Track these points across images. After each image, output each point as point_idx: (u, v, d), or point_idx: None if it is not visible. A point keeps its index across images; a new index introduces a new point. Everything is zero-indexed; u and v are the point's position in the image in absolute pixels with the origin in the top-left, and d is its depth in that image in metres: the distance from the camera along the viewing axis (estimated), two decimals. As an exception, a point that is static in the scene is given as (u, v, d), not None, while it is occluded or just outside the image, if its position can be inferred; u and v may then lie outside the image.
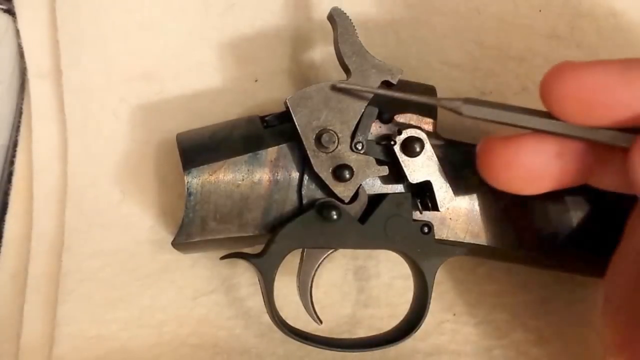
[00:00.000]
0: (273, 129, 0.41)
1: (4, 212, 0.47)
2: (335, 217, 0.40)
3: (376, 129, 0.40)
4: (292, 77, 0.47)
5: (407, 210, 0.41)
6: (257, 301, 0.47)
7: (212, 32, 0.46)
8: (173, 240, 0.40)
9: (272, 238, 0.40)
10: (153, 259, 0.46)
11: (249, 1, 0.46)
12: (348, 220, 0.40)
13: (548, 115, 0.35)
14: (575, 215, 0.41)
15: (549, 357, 0.47)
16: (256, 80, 0.47)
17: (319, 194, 0.41)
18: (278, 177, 0.40)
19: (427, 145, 0.39)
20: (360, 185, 0.40)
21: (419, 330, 0.42)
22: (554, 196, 0.40)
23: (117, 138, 0.46)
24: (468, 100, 0.36)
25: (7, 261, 0.47)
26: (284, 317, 0.43)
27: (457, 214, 0.41)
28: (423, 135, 0.39)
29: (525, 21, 0.47)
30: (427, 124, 0.40)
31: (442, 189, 0.40)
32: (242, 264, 0.46)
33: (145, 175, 0.46)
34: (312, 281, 0.43)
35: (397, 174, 0.40)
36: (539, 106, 0.47)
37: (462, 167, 0.41)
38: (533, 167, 0.36)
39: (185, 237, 0.40)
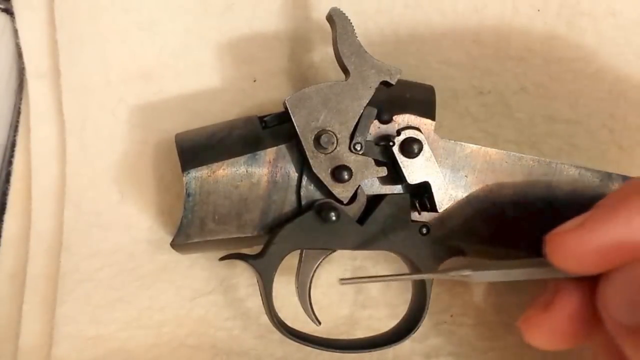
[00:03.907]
0: (272, 129, 0.41)
1: (3, 212, 0.47)
2: (334, 218, 0.40)
3: (375, 129, 0.40)
4: (291, 78, 0.47)
5: (406, 211, 0.41)
6: (255, 302, 0.47)
7: (210, 32, 0.46)
8: (172, 241, 0.40)
9: (271, 239, 0.40)
10: (151, 259, 0.46)
11: (248, 1, 0.46)
12: (347, 221, 0.40)
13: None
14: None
15: (544, 359, 0.47)
16: (255, 81, 0.47)
17: (317, 195, 0.41)
18: (277, 178, 0.40)
19: (426, 147, 0.39)
20: (359, 186, 0.40)
21: (416, 332, 0.42)
22: (552, 198, 0.41)
23: (115, 138, 0.46)
24: (476, 268, 0.38)
25: (6, 261, 0.47)
26: (282, 318, 0.43)
27: (456, 214, 0.41)
28: (421, 137, 0.39)
29: (524, 20, 0.47)
30: (426, 124, 0.40)
31: (440, 190, 0.40)
32: (241, 265, 0.46)
33: (144, 176, 0.46)
34: (310, 282, 0.43)
35: (395, 175, 0.40)
36: (538, 105, 0.47)
37: (461, 168, 0.41)
38: None
39: (184, 238, 0.40)
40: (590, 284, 0.36)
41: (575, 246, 0.34)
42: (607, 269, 0.34)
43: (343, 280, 0.40)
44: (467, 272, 0.38)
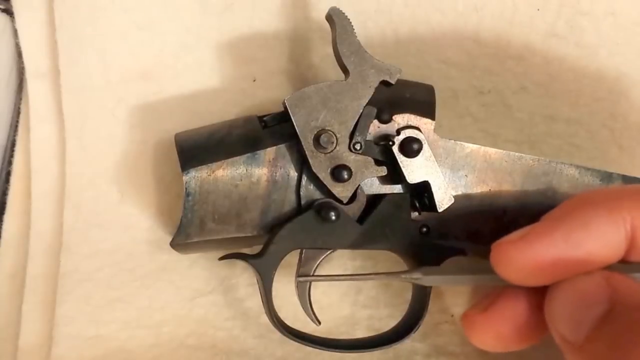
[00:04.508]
0: (271, 129, 0.41)
1: (2, 212, 0.47)
2: (333, 217, 0.40)
3: (375, 129, 0.40)
4: (291, 77, 0.47)
5: (406, 210, 0.41)
6: (255, 302, 0.47)
7: (210, 32, 0.46)
8: (171, 241, 0.40)
9: (271, 239, 0.40)
10: (151, 259, 0.46)
11: (248, 1, 0.46)
12: (346, 221, 0.40)
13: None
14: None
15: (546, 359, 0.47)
16: (254, 80, 0.47)
17: (317, 195, 0.40)
18: (276, 178, 0.40)
19: (426, 146, 0.39)
20: (359, 185, 0.40)
21: (417, 331, 0.42)
22: (552, 197, 0.41)
23: (115, 138, 0.46)
24: (426, 272, 0.40)
25: (6, 261, 0.47)
26: (282, 317, 0.43)
27: (456, 214, 0.41)
28: (421, 136, 0.39)
29: (524, 19, 0.47)
30: (426, 124, 0.40)
31: (440, 190, 0.40)
32: (241, 265, 0.46)
33: (144, 176, 0.46)
34: (310, 282, 0.43)
35: (395, 175, 0.40)
36: (538, 105, 0.47)
37: (461, 168, 0.41)
38: None
39: (184, 238, 0.40)
40: (538, 293, 0.36)
41: (515, 258, 0.35)
42: (550, 282, 0.35)
43: (300, 279, 0.41)
44: (417, 275, 0.39)
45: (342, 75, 0.40)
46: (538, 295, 0.36)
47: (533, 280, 0.35)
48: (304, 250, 0.42)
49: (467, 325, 0.39)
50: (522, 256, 0.34)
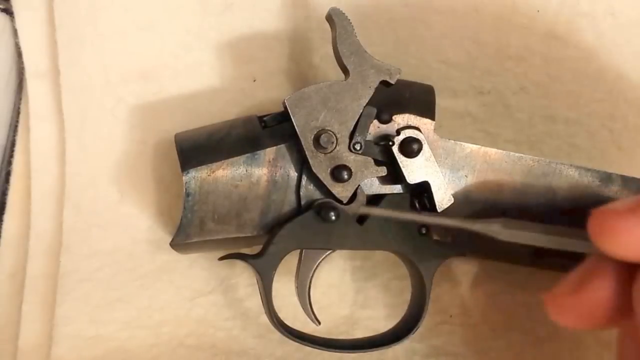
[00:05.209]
0: (271, 129, 0.41)
1: (2, 212, 0.47)
2: (333, 218, 0.40)
3: (375, 129, 0.40)
4: (291, 77, 0.47)
5: (405, 211, 0.41)
6: (255, 302, 0.47)
7: (210, 32, 0.46)
8: (171, 241, 0.40)
9: (271, 239, 0.40)
10: (151, 259, 0.46)
11: (247, 1, 0.46)
12: (346, 221, 0.40)
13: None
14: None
15: (545, 358, 0.47)
16: (254, 80, 0.47)
17: (317, 195, 0.40)
18: (276, 178, 0.40)
19: (425, 146, 0.39)
20: (359, 185, 0.40)
21: (416, 332, 0.42)
22: (552, 198, 0.41)
23: (115, 138, 0.46)
24: (507, 224, 0.37)
25: (5, 261, 0.47)
26: (282, 317, 0.43)
27: (455, 214, 0.41)
28: (421, 136, 0.39)
29: (524, 20, 0.47)
30: (426, 124, 0.40)
31: (440, 190, 0.40)
32: (241, 265, 0.46)
33: (144, 176, 0.46)
34: (310, 282, 0.43)
35: (395, 175, 0.40)
36: (537, 105, 0.47)
37: (460, 168, 0.41)
38: None
39: (184, 238, 0.40)
40: (628, 269, 0.33)
41: (622, 231, 0.32)
42: None
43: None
44: (496, 227, 0.37)
45: (342, 75, 0.40)
46: (628, 272, 0.33)
47: (636, 256, 0.32)
48: (303, 250, 0.42)
49: (553, 308, 0.36)
50: (631, 230, 0.31)
